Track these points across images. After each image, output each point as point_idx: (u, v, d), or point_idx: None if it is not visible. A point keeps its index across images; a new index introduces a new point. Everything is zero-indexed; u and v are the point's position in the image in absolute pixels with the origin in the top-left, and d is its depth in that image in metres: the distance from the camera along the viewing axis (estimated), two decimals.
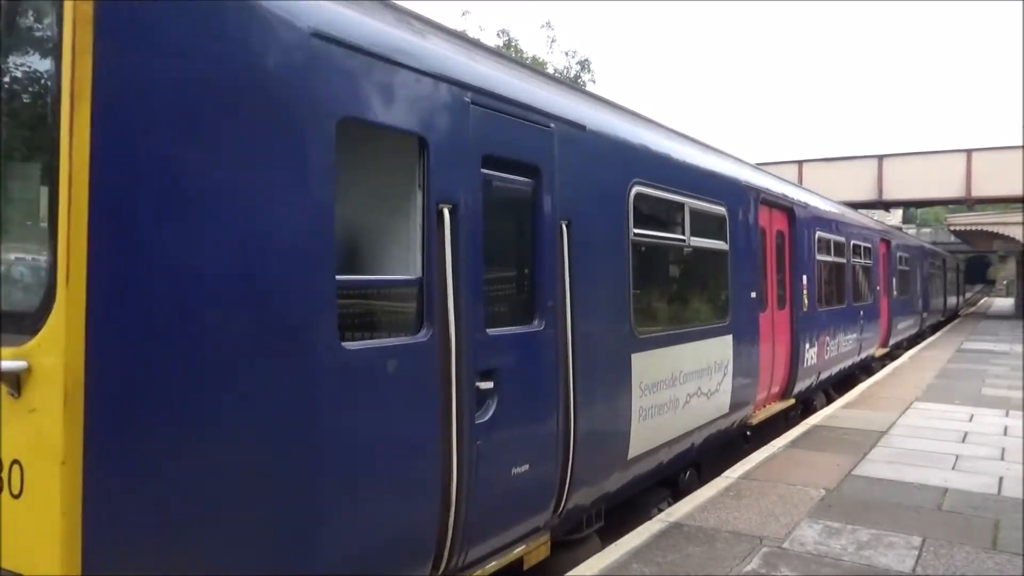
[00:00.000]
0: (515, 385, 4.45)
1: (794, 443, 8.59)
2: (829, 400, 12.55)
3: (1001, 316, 39.43)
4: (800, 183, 21.37)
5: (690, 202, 6.92)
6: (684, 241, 6.93)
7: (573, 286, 4.96)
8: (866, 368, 16.11)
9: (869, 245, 15.88)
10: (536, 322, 4.70)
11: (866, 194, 30.58)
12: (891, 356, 18.43)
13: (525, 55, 35.21)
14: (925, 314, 25.41)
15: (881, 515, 5.92)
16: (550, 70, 32.65)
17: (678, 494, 6.93)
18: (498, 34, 37.19)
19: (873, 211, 30.19)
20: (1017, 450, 8.18)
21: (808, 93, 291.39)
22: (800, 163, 31.95)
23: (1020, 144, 28.28)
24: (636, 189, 5.91)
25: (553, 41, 51.98)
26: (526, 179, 4.68)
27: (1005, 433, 9.12)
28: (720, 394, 7.59)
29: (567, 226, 4.96)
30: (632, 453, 5.85)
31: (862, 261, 15.09)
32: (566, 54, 40.56)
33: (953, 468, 7.43)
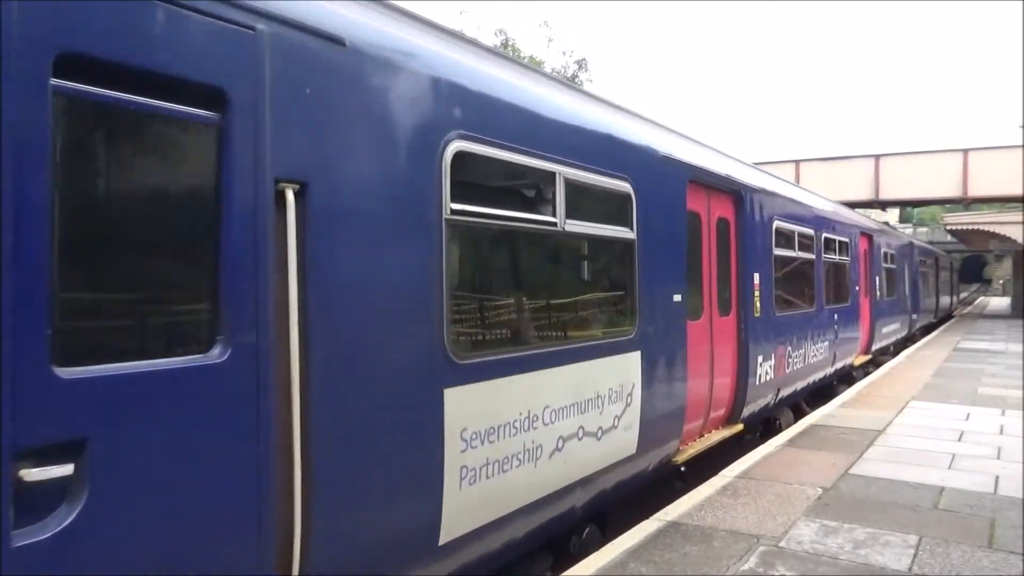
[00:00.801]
0: (142, 462, 2.50)
1: (791, 442, 8.29)
2: (799, 416, 10.70)
3: (997, 316, 39.19)
4: (797, 182, 21.16)
5: (567, 172, 4.89)
6: (555, 226, 4.84)
7: (309, 288, 3.06)
8: (845, 378, 14.04)
9: (846, 239, 13.57)
10: (217, 349, 2.75)
11: (863, 193, 30.16)
12: (875, 363, 16.32)
13: (523, 54, 35.29)
14: (915, 316, 23.14)
15: (878, 514, 5.75)
16: (548, 69, 32.74)
17: (567, 560, 5.17)
18: (495, 33, 37.30)
19: (870, 210, 30.21)
20: (1012, 449, 7.90)
21: (805, 93, 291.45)
22: (797, 163, 31.63)
23: (1016, 144, 27.97)
24: (458, 146, 3.92)
25: (551, 40, 52.17)
26: (197, 111, 2.74)
27: (1001, 432, 8.85)
28: (621, 431, 5.55)
29: (298, 193, 3.04)
30: (447, 536, 3.88)
31: (837, 258, 12.88)
32: (563, 53, 40.82)
33: (949, 467, 7.21)
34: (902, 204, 38.09)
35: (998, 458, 7.65)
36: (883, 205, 32.96)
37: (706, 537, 5.26)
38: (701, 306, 7.44)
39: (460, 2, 78.10)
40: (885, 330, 17.75)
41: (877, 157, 30.85)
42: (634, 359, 5.81)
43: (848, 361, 13.92)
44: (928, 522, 5.64)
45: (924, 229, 62.99)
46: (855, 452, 7.84)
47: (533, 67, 5.65)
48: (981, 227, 33.24)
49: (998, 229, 32.54)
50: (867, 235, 16.12)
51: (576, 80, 35.38)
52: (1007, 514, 5.80)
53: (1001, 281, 76.95)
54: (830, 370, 12.50)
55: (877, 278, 16.79)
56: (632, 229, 5.84)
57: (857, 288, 14.40)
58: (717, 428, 8.08)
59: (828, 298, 12.09)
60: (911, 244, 24.06)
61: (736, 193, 8.37)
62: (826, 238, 12.15)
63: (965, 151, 29.17)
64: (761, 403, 9.04)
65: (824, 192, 16.96)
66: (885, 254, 18.16)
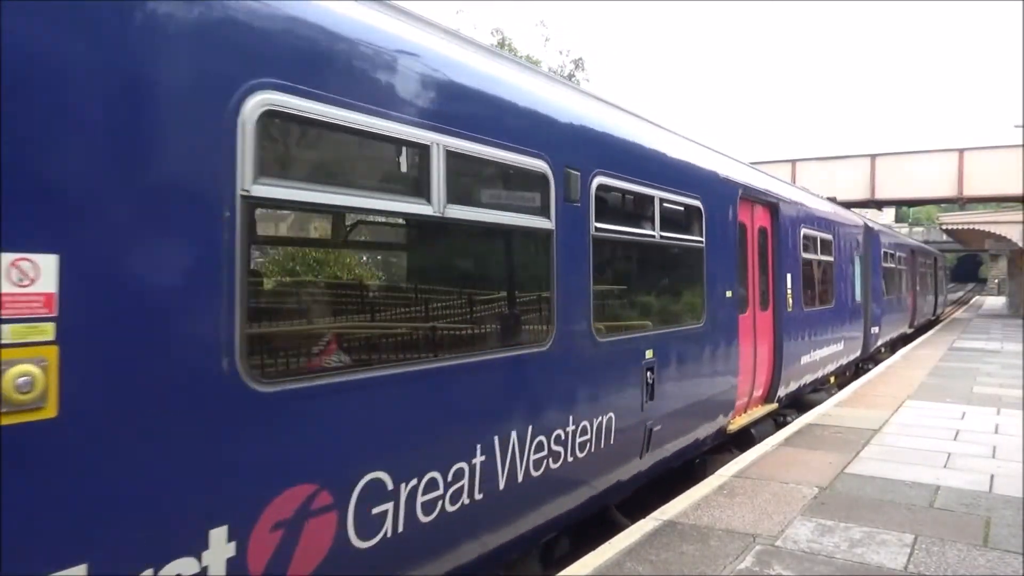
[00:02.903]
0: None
1: (787, 441, 8.25)
2: (566, 561, 5.10)
3: (993, 315, 39.38)
4: (794, 182, 20.56)
5: None
6: None
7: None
8: (742, 439, 8.69)
9: (696, 203, 7.12)
10: None
11: (859, 193, 30.21)
12: (798, 407, 10.90)
13: (519, 53, 35.39)
14: (875, 328, 16.82)
15: (874, 513, 5.76)
16: (545, 68, 32.73)
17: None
18: (492, 32, 37.40)
19: (866, 210, 30.31)
20: (1008, 448, 7.90)
21: (802, 92, 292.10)
22: (793, 162, 31.81)
23: (1012, 144, 27.88)
24: None
25: (547, 40, 52.25)
26: None
27: (997, 431, 8.85)
28: None
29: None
30: None
31: (658, 236, 6.41)
32: (560, 52, 40.90)
33: (945, 466, 7.21)
34: (898, 204, 38.19)
35: (993, 457, 7.65)
36: (879, 204, 33.05)
37: (703, 536, 5.26)
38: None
39: (457, 1, 78.18)
40: (809, 358, 11.24)
41: (873, 156, 30.91)
42: None
43: (704, 433, 7.63)
44: (924, 521, 5.64)
45: (920, 228, 63.22)
46: (851, 451, 7.83)
47: None
48: (977, 227, 33.28)
49: (994, 229, 32.60)
50: (766, 205, 9.68)
51: (573, 79, 35.41)
52: (1003, 513, 5.82)
53: (996, 280, 77.16)
54: (621, 479, 6.01)
55: (790, 276, 10.29)
56: None
57: (729, 294, 8.05)
58: None
59: (629, 317, 6.46)
60: (868, 229, 16.71)
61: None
62: (621, 194, 6.07)
63: (961, 151, 29.22)
64: None
65: (821, 191, 15.94)
66: (811, 238, 11.56)
